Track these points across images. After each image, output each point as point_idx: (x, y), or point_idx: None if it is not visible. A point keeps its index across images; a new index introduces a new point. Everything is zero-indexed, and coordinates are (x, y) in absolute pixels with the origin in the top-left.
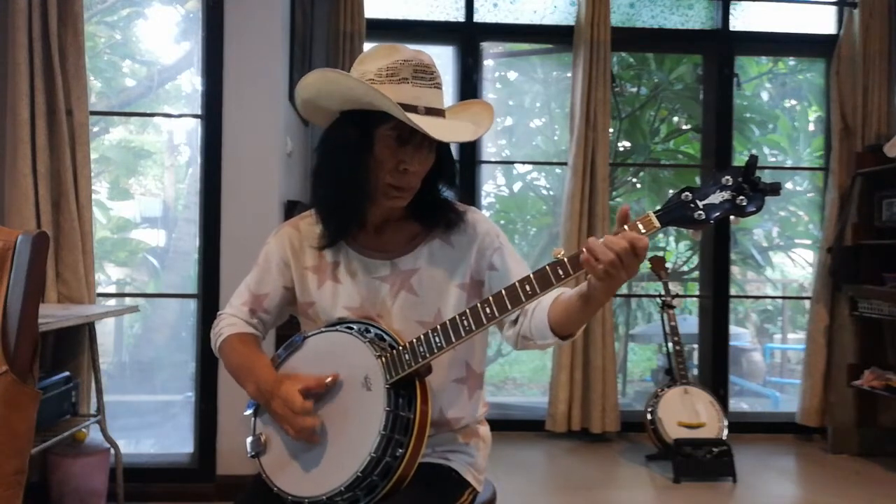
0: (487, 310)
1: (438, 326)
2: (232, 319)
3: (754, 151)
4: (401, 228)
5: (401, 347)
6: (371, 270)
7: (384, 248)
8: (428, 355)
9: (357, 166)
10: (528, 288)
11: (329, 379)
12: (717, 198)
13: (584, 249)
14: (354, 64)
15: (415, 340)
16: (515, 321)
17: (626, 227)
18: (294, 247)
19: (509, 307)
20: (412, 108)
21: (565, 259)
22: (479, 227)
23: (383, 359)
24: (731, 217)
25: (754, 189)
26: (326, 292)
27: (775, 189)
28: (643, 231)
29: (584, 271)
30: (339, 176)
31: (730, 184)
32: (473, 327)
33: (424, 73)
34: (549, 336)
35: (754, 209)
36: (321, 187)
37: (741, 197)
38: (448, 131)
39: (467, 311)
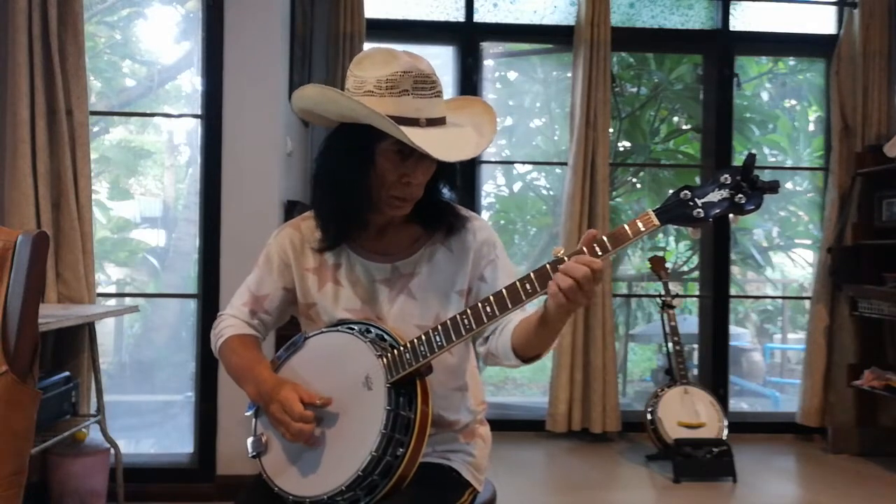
0: (488, 308)
1: (439, 326)
2: (232, 321)
3: (754, 151)
4: (402, 232)
5: (402, 347)
6: (372, 273)
7: (385, 251)
8: (429, 354)
9: (359, 179)
10: (528, 287)
11: (320, 401)
12: (715, 196)
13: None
14: (351, 67)
15: (415, 340)
16: (487, 338)
17: (625, 226)
18: (295, 248)
19: (510, 306)
20: (414, 122)
21: (566, 258)
22: (478, 236)
23: (384, 358)
24: (731, 215)
25: (753, 187)
26: (327, 294)
27: (773, 187)
28: (642, 229)
29: None
30: (340, 187)
31: (728, 182)
32: (474, 326)
33: (425, 83)
34: (512, 357)
35: (753, 207)
36: (322, 196)
37: (740, 195)
38: (451, 147)
39: (468, 310)
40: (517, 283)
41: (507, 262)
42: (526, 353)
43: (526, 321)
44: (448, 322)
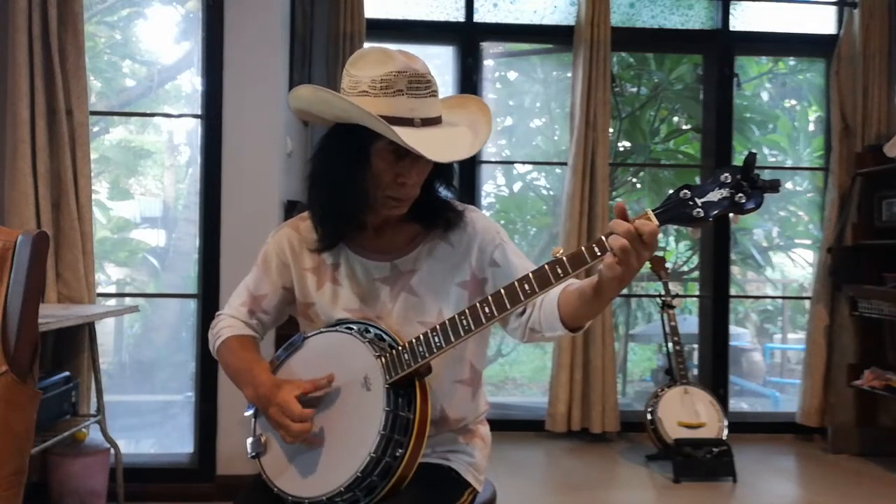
0: (486, 309)
1: (438, 326)
2: (230, 321)
3: (754, 150)
4: (400, 230)
5: (400, 347)
6: (371, 272)
7: (384, 250)
8: (427, 355)
9: (354, 180)
10: (526, 287)
11: (324, 380)
12: (715, 195)
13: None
14: (346, 66)
15: (414, 340)
16: (522, 313)
17: (584, 249)
18: (293, 247)
19: (508, 306)
20: (408, 122)
21: (564, 258)
22: (478, 225)
23: (383, 359)
24: (731, 215)
25: (753, 186)
26: (326, 294)
27: (774, 186)
28: None
29: (582, 270)
30: (336, 187)
31: (728, 181)
32: (473, 327)
33: (420, 83)
34: (559, 328)
35: (753, 206)
36: (318, 196)
37: (740, 194)
38: (445, 147)
39: (466, 310)
40: (515, 284)
41: (512, 244)
42: (574, 322)
43: (573, 293)
44: (447, 323)
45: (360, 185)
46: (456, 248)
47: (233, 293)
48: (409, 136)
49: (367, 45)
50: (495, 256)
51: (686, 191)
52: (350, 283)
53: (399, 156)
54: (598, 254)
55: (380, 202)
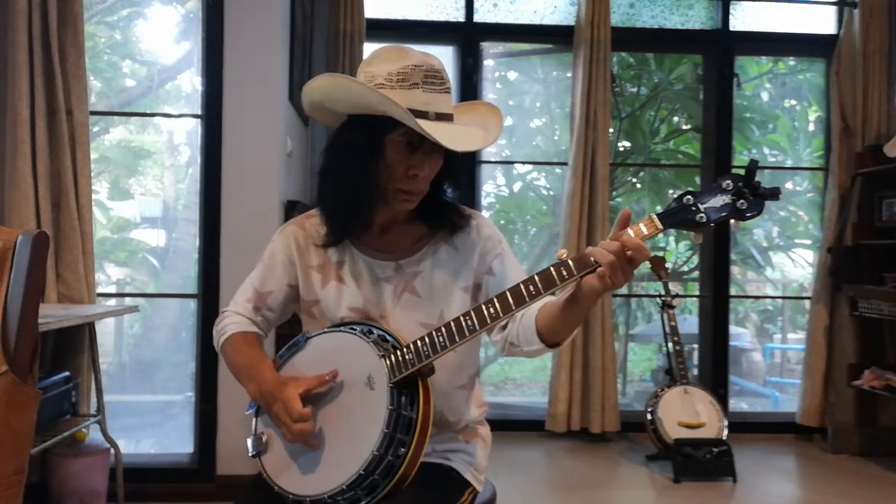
0: (491, 310)
1: (442, 327)
2: (235, 317)
3: (755, 153)
4: (406, 230)
5: (404, 348)
6: (375, 271)
7: (389, 250)
8: (431, 355)
9: (367, 171)
10: (531, 288)
11: (328, 375)
12: (717, 201)
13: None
14: (362, 65)
15: (418, 341)
16: (504, 326)
17: (629, 230)
18: (299, 245)
19: (513, 307)
20: (423, 115)
21: (569, 260)
22: (483, 232)
23: (387, 359)
24: (732, 221)
25: (754, 193)
26: (330, 292)
27: (775, 194)
28: (645, 232)
29: (586, 272)
30: (347, 180)
31: (730, 188)
32: (477, 327)
33: (435, 79)
34: (536, 342)
35: (754, 213)
36: (328, 189)
37: (741, 201)
38: (459, 139)
39: (471, 311)
40: (521, 285)
41: (512, 255)
42: (552, 337)
43: (551, 305)
44: (451, 323)
45: (373, 176)
46: (460, 252)
47: (238, 290)
48: (424, 127)
49: (366, 45)
50: (493, 265)
51: (689, 196)
52: (355, 281)
53: (412, 148)
54: None
55: (391, 195)
